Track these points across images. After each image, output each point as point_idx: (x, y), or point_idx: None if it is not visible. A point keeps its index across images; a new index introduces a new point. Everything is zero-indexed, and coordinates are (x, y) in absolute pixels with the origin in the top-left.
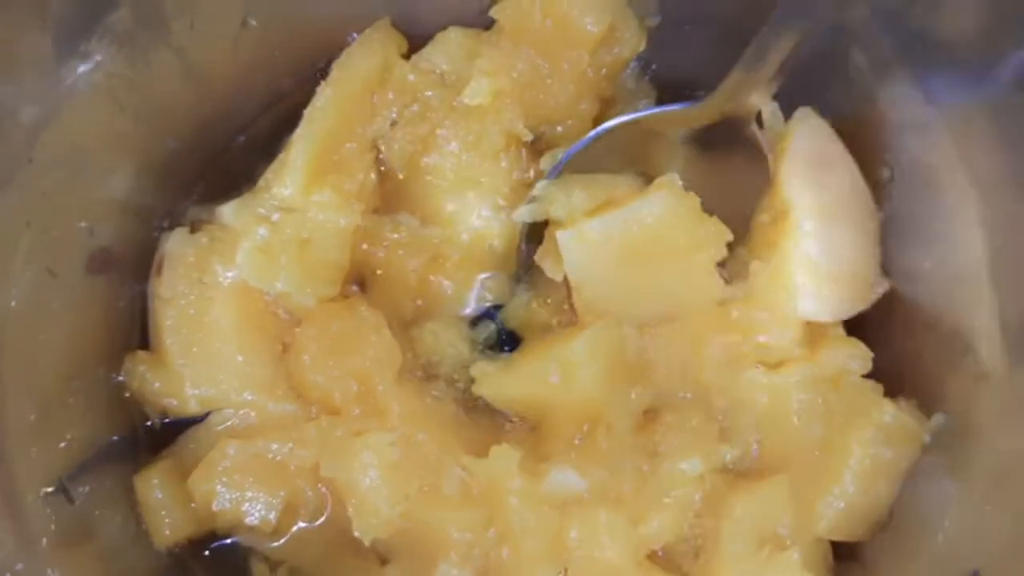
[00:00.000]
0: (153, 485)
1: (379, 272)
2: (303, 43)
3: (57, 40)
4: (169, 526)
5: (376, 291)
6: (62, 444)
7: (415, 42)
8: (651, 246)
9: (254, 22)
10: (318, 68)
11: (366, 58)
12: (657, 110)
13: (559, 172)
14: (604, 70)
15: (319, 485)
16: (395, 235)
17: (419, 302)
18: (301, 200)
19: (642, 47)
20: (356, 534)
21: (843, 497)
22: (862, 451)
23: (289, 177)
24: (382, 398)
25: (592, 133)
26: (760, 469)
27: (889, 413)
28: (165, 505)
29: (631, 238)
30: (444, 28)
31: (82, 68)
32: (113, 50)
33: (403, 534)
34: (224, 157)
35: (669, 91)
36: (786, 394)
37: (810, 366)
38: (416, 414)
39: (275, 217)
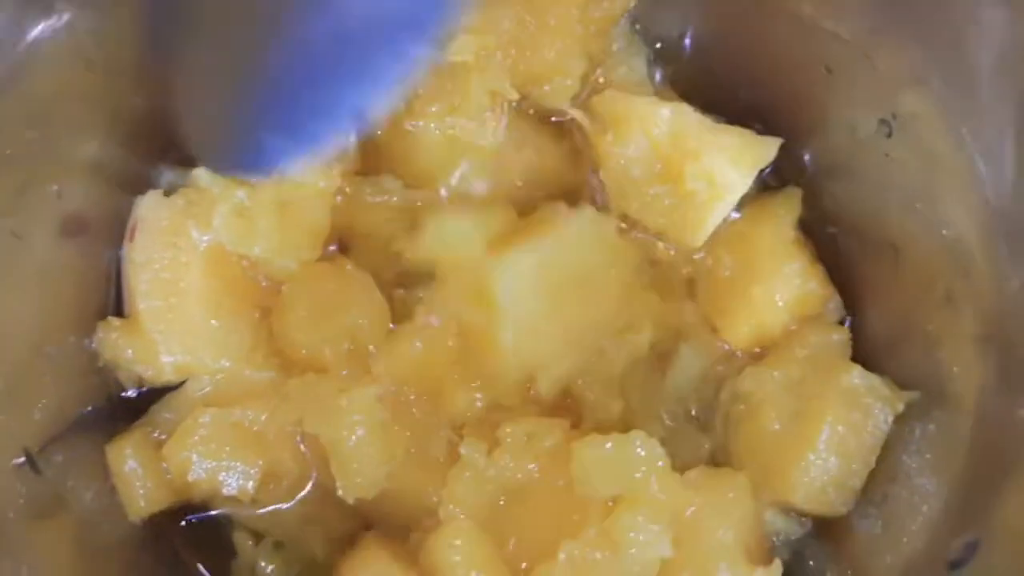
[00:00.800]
0: (126, 455)
1: (360, 235)
2: None
3: None
4: (144, 497)
5: (357, 254)
6: (34, 413)
7: None
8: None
9: None
10: None
11: None
12: None
13: None
14: (593, 27)
15: (302, 451)
16: (376, 198)
17: (401, 265)
18: None
19: (633, 2)
20: (339, 493)
21: (817, 465)
22: (833, 416)
23: None
24: (372, 357)
25: None
26: (734, 453)
27: (858, 375)
28: (139, 476)
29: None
30: None
31: (46, 23)
32: (78, 4)
33: (387, 497)
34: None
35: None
36: (765, 386)
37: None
38: (406, 375)
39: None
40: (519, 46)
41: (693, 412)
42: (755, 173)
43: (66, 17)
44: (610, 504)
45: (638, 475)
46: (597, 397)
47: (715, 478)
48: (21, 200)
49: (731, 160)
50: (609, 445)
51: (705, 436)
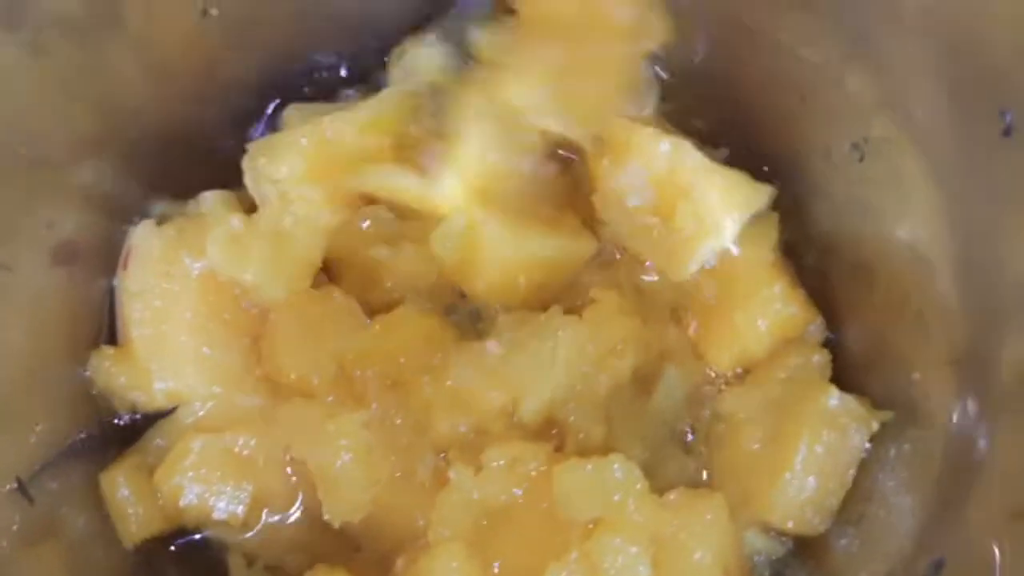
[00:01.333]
0: (119, 483)
1: (349, 263)
2: (270, 37)
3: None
4: (136, 524)
5: (346, 281)
6: (28, 438)
7: None
8: None
9: (214, 11)
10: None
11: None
12: None
13: None
14: (626, 62)
15: (290, 476)
16: (368, 228)
17: (390, 291)
18: (291, 187)
19: (668, 37)
20: (325, 517)
21: (794, 485)
22: (811, 437)
23: (288, 161)
24: (358, 383)
25: None
26: (714, 473)
27: (835, 397)
28: (132, 503)
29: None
30: None
31: (31, 59)
32: (63, 40)
33: (374, 520)
34: (191, 151)
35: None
36: (744, 407)
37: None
38: (391, 399)
39: (268, 192)
40: (559, 81)
41: (677, 433)
42: (745, 219)
43: (51, 53)
44: (591, 527)
45: (616, 498)
46: (580, 422)
47: (693, 499)
48: (12, 230)
49: (723, 203)
50: (589, 468)
51: (689, 457)
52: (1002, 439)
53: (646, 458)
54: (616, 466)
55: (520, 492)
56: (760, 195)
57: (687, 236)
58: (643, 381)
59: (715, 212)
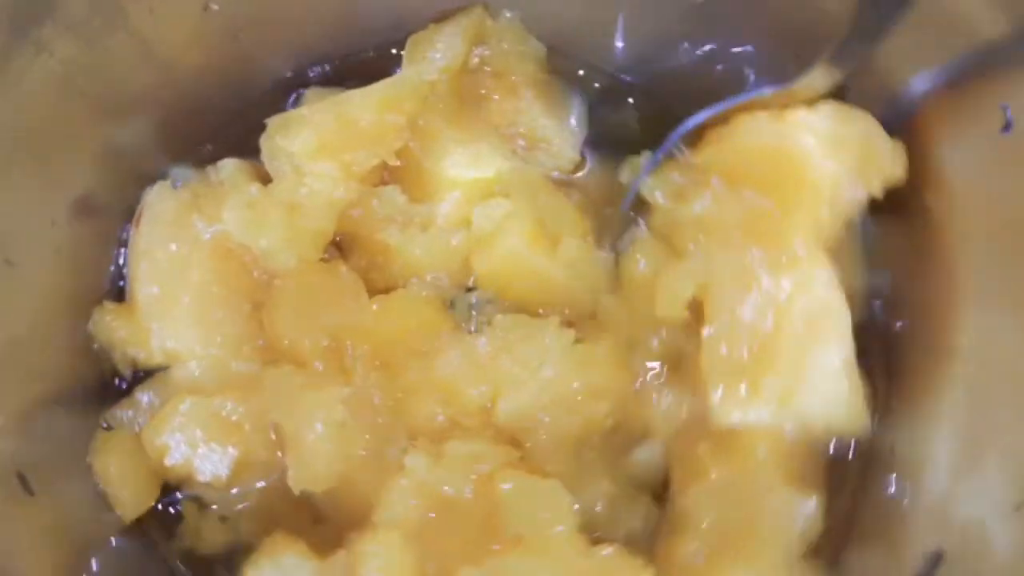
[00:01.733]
0: (110, 463)
1: (358, 241)
2: (271, 31)
3: (6, 27)
4: (131, 501)
5: (354, 258)
6: (31, 390)
7: None
8: None
9: (215, 6)
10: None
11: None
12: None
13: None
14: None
15: (272, 440)
16: (380, 208)
17: (395, 275)
18: (305, 161)
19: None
20: (289, 483)
21: None
22: None
23: (303, 136)
24: (347, 358)
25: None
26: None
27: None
28: (123, 478)
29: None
30: None
31: (36, 55)
32: (68, 37)
33: (337, 493)
34: (195, 144)
35: None
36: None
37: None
38: (376, 379)
39: (283, 166)
40: None
41: (650, 488)
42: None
43: (55, 49)
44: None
45: (543, 524)
46: (542, 448)
47: (624, 564)
48: (13, 221)
49: (820, 405)
50: (526, 483)
51: (655, 509)
52: None
53: (612, 495)
54: (551, 492)
55: (469, 490)
56: (858, 421)
57: (759, 397)
58: (625, 432)
59: (804, 403)
